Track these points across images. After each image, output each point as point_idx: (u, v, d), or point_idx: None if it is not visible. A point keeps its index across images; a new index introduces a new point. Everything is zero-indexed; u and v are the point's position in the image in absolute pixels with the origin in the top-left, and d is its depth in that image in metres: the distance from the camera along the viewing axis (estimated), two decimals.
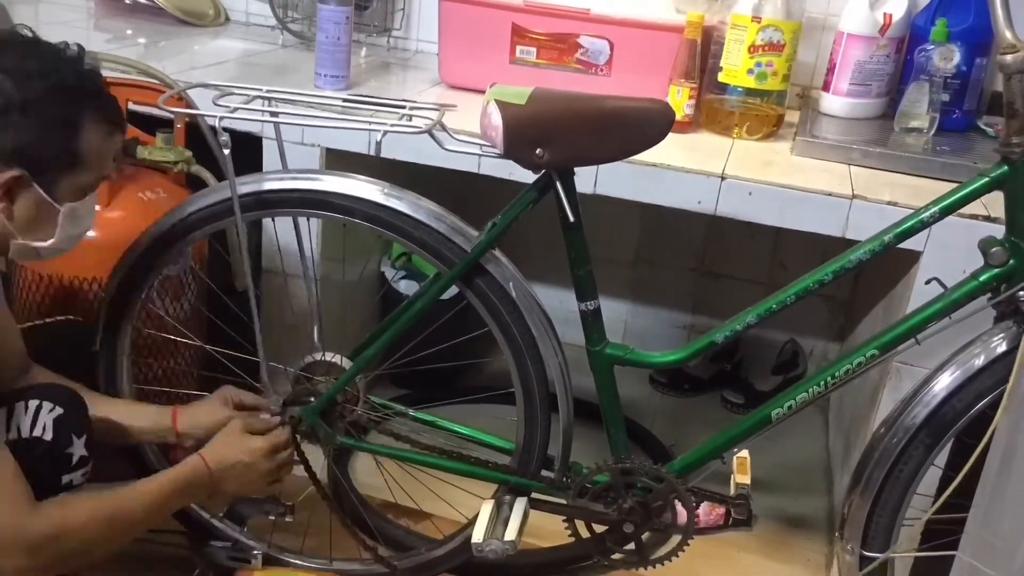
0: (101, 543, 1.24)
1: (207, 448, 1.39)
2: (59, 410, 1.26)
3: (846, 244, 1.36)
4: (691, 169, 1.60)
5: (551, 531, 1.58)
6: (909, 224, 1.26)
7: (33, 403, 1.25)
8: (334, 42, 1.81)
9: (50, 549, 1.17)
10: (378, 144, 1.29)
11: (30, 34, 1.22)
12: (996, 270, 1.24)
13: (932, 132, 1.81)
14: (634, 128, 1.28)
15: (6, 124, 1.13)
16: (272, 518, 1.60)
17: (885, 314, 1.76)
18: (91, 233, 1.46)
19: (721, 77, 1.86)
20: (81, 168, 1.21)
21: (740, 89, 1.84)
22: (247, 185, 1.38)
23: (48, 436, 1.25)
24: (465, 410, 1.72)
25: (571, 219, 1.30)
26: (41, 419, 1.25)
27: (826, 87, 1.97)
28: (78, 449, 1.28)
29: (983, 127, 1.92)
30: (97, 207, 1.32)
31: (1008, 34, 1.16)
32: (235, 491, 1.42)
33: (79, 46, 1.24)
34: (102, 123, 1.22)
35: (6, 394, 1.25)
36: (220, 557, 1.57)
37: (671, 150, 1.62)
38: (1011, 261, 1.23)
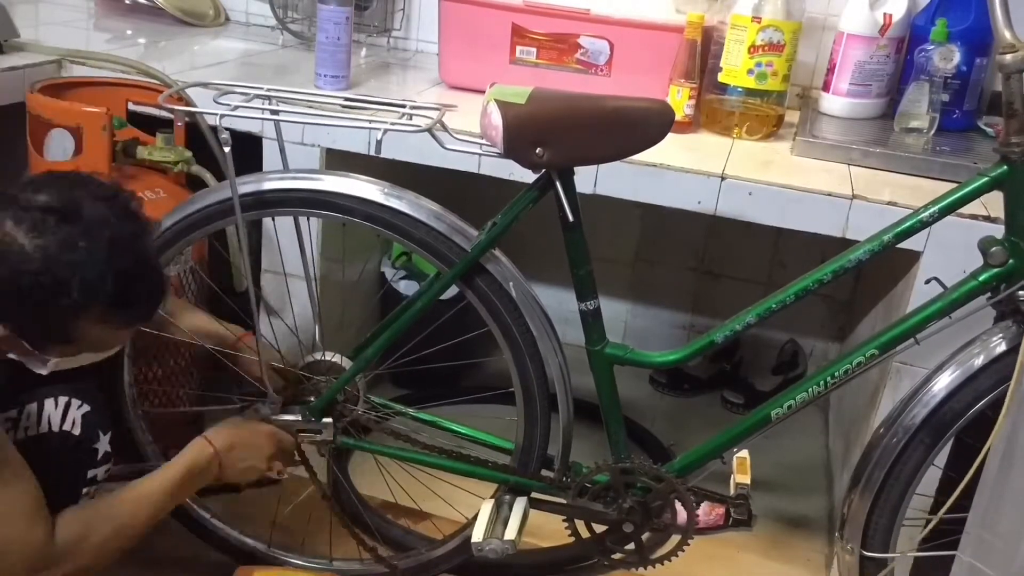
0: (115, 551, 1.28)
1: (213, 432, 1.40)
2: (86, 407, 1.30)
3: (846, 244, 1.36)
4: (691, 169, 1.60)
5: (551, 531, 1.58)
6: (909, 224, 1.26)
7: (62, 399, 1.29)
8: (334, 42, 1.81)
9: (70, 562, 1.22)
10: (378, 143, 1.29)
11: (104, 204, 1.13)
12: (996, 270, 1.24)
13: (932, 132, 1.81)
14: (634, 128, 1.28)
15: (7, 298, 1.09)
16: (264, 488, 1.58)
17: (885, 314, 1.76)
18: None
19: (721, 77, 1.86)
20: (77, 347, 1.18)
21: (740, 89, 1.84)
22: (247, 185, 1.38)
23: (77, 431, 1.29)
24: (465, 410, 1.72)
25: (571, 219, 1.30)
26: (71, 415, 1.29)
27: (826, 87, 1.97)
28: (103, 445, 1.32)
29: (983, 127, 1.92)
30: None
31: (1007, 34, 1.16)
32: (238, 475, 1.42)
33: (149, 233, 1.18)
34: (118, 323, 1.19)
35: (36, 390, 1.29)
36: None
37: (671, 150, 1.62)
38: (1011, 261, 1.23)
